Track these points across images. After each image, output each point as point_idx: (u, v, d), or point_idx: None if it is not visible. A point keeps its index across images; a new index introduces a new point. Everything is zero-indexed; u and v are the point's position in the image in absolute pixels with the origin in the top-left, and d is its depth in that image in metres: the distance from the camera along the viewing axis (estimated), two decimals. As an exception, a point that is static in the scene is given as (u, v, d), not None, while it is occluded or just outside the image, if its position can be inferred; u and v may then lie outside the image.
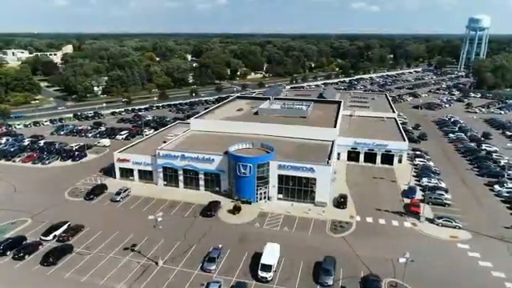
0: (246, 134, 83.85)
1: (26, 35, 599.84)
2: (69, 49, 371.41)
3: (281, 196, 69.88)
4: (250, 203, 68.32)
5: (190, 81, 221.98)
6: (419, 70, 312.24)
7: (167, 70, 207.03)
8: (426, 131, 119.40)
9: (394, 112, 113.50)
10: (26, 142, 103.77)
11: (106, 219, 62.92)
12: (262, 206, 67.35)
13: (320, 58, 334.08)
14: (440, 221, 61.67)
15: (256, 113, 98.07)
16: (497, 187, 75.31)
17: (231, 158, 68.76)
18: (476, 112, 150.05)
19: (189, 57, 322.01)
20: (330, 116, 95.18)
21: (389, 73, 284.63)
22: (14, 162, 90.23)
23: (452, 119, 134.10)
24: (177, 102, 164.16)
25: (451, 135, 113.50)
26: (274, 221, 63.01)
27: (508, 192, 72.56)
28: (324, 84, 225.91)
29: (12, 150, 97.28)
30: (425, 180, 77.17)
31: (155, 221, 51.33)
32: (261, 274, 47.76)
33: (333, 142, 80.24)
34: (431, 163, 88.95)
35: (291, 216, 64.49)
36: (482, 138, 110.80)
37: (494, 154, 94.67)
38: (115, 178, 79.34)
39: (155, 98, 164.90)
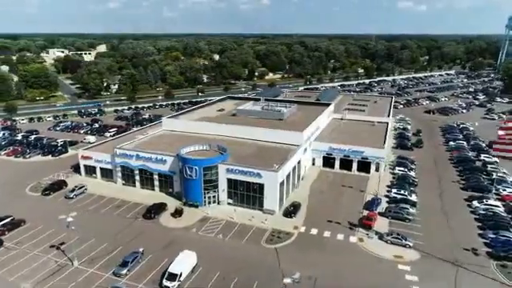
0: (214, 136, 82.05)
1: (77, 35, 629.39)
2: (102, 48, 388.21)
3: (231, 201, 67.20)
4: (196, 207, 66.31)
5: (205, 80, 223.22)
6: (451, 72, 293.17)
7: (180, 70, 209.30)
8: (426, 138, 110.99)
9: (388, 117, 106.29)
10: (19, 136, 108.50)
11: (50, 215, 63.38)
12: (207, 211, 65.05)
13: (347, 58, 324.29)
14: (389, 238, 56.12)
15: (234, 114, 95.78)
16: (475, 203, 67.64)
17: (179, 160, 67.07)
18: (494, 119, 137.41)
19: (216, 57, 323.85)
20: (311, 119, 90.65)
21: (416, 75, 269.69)
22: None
23: (461, 126, 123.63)
24: (181, 101, 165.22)
25: (451, 143, 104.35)
26: (213, 227, 60.53)
27: (485, 210, 64.88)
28: (341, 86, 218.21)
29: (4, 143, 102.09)
30: (394, 191, 71.13)
31: (68, 222, 50.66)
32: (164, 282, 45.67)
33: (299, 146, 76.28)
34: (412, 173, 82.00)
35: (233, 222, 61.67)
36: (486, 148, 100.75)
37: (489, 166, 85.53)
38: (81, 175, 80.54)
39: (160, 97, 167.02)
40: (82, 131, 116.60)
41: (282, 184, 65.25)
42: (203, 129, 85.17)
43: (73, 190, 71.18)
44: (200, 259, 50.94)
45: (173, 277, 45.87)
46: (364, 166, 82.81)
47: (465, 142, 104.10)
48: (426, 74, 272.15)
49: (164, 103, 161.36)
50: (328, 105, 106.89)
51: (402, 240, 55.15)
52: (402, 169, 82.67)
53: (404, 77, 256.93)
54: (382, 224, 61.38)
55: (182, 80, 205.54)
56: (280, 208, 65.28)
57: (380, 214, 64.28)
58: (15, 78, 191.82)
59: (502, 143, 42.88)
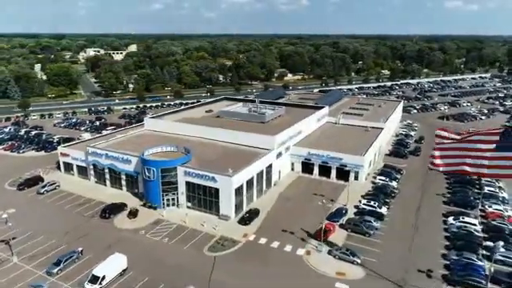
0: (190, 137, 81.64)
1: (122, 36, 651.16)
2: (133, 48, 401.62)
3: (190, 204, 66.14)
4: (155, 208, 65.85)
5: (221, 80, 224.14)
6: (486, 75, 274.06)
7: (196, 70, 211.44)
8: (428, 145, 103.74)
9: (384, 122, 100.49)
10: (22, 131, 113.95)
11: (14, 210, 65.65)
12: (162, 213, 64.39)
13: (377, 59, 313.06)
14: (337, 252, 52.56)
15: (218, 116, 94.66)
16: (450, 220, 61.93)
17: (140, 161, 66.94)
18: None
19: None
20: (294, 123, 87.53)
21: (445, 78, 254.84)
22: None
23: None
24: (189, 101, 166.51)
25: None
26: (163, 230, 59.72)
27: (459, 227, 59.16)
28: (359, 88, 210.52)
29: (6, 137, 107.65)
30: (363, 202, 66.86)
31: (4, 219, 51.78)
32: (85, 285, 45.39)
33: (270, 150, 73.80)
34: (394, 183, 76.77)
35: (184, 226, 60.56)
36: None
37: (483, 179, 78.29)
38: (61, 171, 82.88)
39: (168, 96, 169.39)
40: (82, 128, 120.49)
41: (239, 189, 63.28)
42: (182, 130, 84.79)
43: (44, 186, 73.29)
44: (135, 263, 50.45)
45: (95, 279, 45.51)
46: (344, 173, 78.72)
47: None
48: (456, 77, 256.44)
49: (172, 103, 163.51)
50: (321, 108, 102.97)
51: (350, 256, 51.40)
52: (383, 178, 77.64)
53: (431, 80, 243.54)
54: (338, 237, 57.77)
55: (196, 80, 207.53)
56: (237, 214, 63.31)
57: (341, 226, 60.62)
58: (44, 77, 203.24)
59: (437, 157, 38.60)
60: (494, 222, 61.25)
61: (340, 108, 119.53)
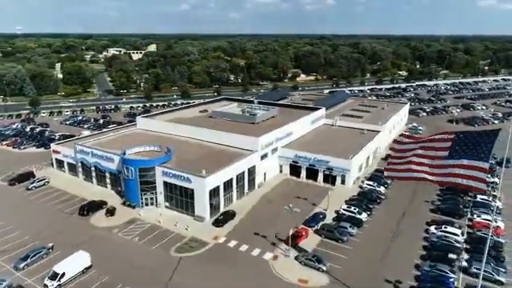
0: (178, 137, 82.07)
1: (146, 36, 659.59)
2: (152, 48, 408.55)
3: (168, 204, 66.21)
4: (134, 207, 66.29)
5: (232, 80, 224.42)
6: (510, 78, 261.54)
7: (206, 70, 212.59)
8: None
9: (381, 125, 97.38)
10: (28, 128, 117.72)
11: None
12: (139, 212, 64.72)
13: (396, 60, 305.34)
14: (303, 258, 51.16)
15: (211, 116, 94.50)
16: (432, 228, 59.17)
17: (120, 159, 67.57)
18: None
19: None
20: (284, 124, 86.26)
21: (465, 80, 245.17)
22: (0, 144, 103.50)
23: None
24: (195, 101, 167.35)
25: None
26: (137, 229, 59.97)
27: (438, 237, 56.38)
28: (371, 90, 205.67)
29: (12, 133, 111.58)
30: (343, 208, 64.94)
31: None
32: (45, 281, 46.12)
33: (254, 151, 72.96)
34: (381, 188, 74.20)
35: (158, 226, 60.65)
36: (495, 166, 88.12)
37: (479, 187, 74.60)
38: (53, 168, 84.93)
39: (175, 96, 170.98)
40: (85, 126, 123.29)
41: (215, 190, 62.80)
42: (171, 130, 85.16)
43: (33, 182, 75.25)
44: (101, 261, 50.94)
45: (55, 276, 46.13)
46: (331, 177, 76.80)
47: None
48: (476, 79, 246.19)
49: (179, 102, 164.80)
50: (316, 109, 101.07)
51: (316, 262, 49.90)
52: (370, 183, 75.21)
53: (449, 81, 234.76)
54: (311, 242, 56.32)
55: (207, 80, 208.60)
56: (212, 215, 62.81)
57: (316, 231, 59.05)
58: (60, 75, 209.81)
59: (392, 163, 36.67)
60: (478, 233, 58.09)
61: (342, 109, 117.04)
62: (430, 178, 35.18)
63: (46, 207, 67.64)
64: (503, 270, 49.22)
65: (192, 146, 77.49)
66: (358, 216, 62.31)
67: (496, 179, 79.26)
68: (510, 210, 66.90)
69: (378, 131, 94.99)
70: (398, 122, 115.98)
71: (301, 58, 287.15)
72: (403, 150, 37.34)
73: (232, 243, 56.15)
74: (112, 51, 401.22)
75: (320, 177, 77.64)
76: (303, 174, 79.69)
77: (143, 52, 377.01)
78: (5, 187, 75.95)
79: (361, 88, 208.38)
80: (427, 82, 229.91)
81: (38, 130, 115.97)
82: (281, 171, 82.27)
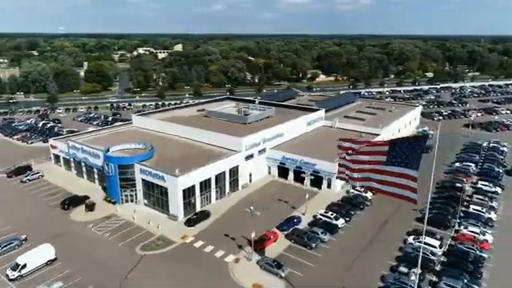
0: (168, 135, 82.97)
1: (179, 36, 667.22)
2: (178, 47, 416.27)
3: (146, 202, 66.84)
4: (114, 203, 67.42)
5: (250, 80, 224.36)
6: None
7: (223, 69, 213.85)
8: (432, 156, 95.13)
9: (381, 128, 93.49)
10: (40, 124, 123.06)
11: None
12: (117, 208, 65.68)
13: (425, 61, 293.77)
14: (263, 263, 49.89)
15: (206, 115, 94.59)
16: (410, 239, 55.98)
17: (102, 156, 68.94)
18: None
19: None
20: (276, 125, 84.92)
21: (495, 82, 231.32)
22: (11, 138, 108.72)
23: (491, 145, 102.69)
24: (206, 100, 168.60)
25: (457, 164, 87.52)
26: (110, 225, 60.91)
27: (414, 248, 53.17)
28: (391, 91, 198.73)
29: (24, 128, 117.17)
30: (320, 213, 62.82)
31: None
32: (6, 271, 47.75)
33: (237, 152, 72.29)
34: (368, 194, 71.12)
35: (131, 223, 61.30)
36: (503, 174, 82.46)
37: (475, 196, 69.96)
38: (52, 162, 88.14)
39: (187, 95, 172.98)
40: (94, 123, 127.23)
41: (190, 190, 62.63)
42: (162, 128, 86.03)
43: (27, 175, 78.40)
44: (67, 255, 52.24)
45: (16, 266, 47.63)
46: (318, 180, 74.65)
47: (472, 165, 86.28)
48: (508, 82, 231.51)
49: (191, 101, 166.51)
50: (315, 110, 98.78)
51: (275, 268, 48.47)
52: (358, 188, 72.34)
53: (477, 84, 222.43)
54: (279, 246, 54.92)
55: (223, 79, 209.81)
56: (186, 215, 62.68)
57: (287, 235, 57.49)
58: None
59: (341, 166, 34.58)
60: (460, 246, 54.32)
61: (347, 111, 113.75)
62: (370, 185, 33.17)
63: (35, 200, 70.18)
64: (476, 287, 45.66)
65: (179, 145, 77.87)
66: (334, 222, 60.05)
67: (498, 189, 73.99)
68: (505, 223, 62.26)
69: (377, 134, 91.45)
70: (405, 125, 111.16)
71: (323, 58, 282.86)
72: (352, 151, 35.16)
73: (198, 243, 55.75)
74: (140, 51, 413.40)
75: (307, 180, 75.68)
76: (291, 176, 78.02)
77: (168, 52, 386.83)
78: (2, 179, 79.61)
79: (380, 89, 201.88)
80: (453, 84, 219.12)
81: (49, 125, 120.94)
82: (269, 173, 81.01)
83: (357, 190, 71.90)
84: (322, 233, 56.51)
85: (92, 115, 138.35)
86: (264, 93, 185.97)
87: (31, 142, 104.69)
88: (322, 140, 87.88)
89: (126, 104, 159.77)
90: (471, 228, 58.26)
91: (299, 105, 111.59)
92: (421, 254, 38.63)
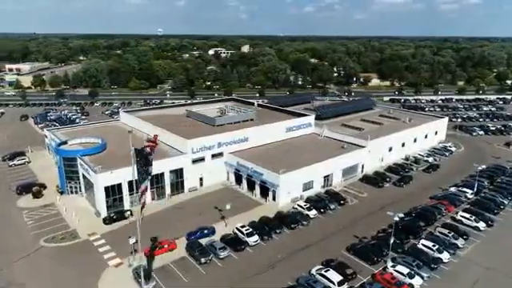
0: (140, 132, 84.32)
1: (264, 37, 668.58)
2: (245, 48, 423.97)
3: (86, 195, 68.80)
4: (61, 193, 70.72)
5: (293, 82, 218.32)
6: None
7: (265, 70, 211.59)
8: (433, 176, 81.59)
9: (368, 141, 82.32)
10: (69, 115, 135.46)
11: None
12: (58, 198, 68.60)
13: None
14: (135, 271, 47.35)
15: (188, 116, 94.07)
16: (313, 270, 48.10)
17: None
18: None
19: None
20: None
21: None
22: (37, 126, 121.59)
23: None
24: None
25: (452, 189, 73.18)
26: (41, 214, 63.76)
27: (307, 281, 45.46)
28: (444, 100, 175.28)
29: (52, 118, 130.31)
30: (237, 227, 57.58)
31: None
32: None
33: (183, 153, 70.44)
34: (313, 212, 63.09)
35: (59, 214, 63.53)
36: (504, 207, 66.89)
37: (438, 230, 57.50)
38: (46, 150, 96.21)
39: (216, 95, 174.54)
40: (116, 116, 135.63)
41: (115, 187, 62.57)
42: (138, 125, 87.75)
43: (14, 161, 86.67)
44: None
45: None
46: (266, 191, 69.00)
47: (469, 192, 71.18)
48: None
49: (218, 99, 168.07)
50: (302, 116, 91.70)
51: (140, 277, 45.66)
52: (302, 204, 64.77)
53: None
54: (172, 256, 52.01)
55: (264, 80, 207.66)
56: (110, 212, 62.68)
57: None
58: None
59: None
60: (368, 286, 45.04)
61: (355, 119, 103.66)
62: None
63: (7, 183, 76.95)
64: None
65: (139, 142, 78.43)
66: (245, 239, 54.66)
67: (480, 224, 59.98)
68: (457, 269, 50.12)
69: (363, 146, 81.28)
70: (418, 138, 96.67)
71: (383, 61, 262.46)
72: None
73: (99, 242, 55.40)
74: (210, 52, 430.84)
75: (257, 189, 70.42)
76: (244, 184, 73.40)
77: (232, 52, 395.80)
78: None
79: (432, 97, 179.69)
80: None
81: (74, 117, 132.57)
82: (228, 179, 77.30)
83: (301, 207, 64.55)
84: (220, 248, 51.80)
85: (116, 110, 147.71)
86: (281, 96, 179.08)
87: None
88: (297, 149, 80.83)
89: (158, 101, 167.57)
90: (399, 267, 47.98)
91: (298, 110, 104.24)
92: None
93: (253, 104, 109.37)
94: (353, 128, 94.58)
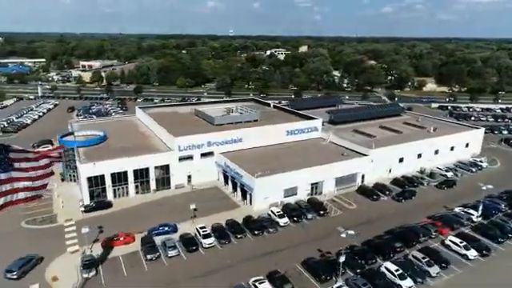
0: (146, 127, 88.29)
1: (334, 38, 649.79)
2: (304, 48, 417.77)
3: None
4: (63, 180, 76.09)
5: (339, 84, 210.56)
6: None
7: (309, 71, 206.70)
8: (445, 193, 72.81)
9: (371, 149, 75.90)
10: (109, 109, 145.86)
11: None
12: (55, 184, 73.20)
13: None
14: (83, 259, 49.23)
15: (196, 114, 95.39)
16: (336, 283, 45.39)
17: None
18: None
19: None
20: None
21: None
22: (78, 117, 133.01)
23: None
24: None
25: (456, 210, 64.38)
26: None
27: (241, 291, 43.35)
28: (504, 109, 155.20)
29: (94, 111, 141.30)
30: (197, 227, 56.85)
31: None
32: None
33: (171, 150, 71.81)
34: (284, 220, 60.01)
35: (50, 199, 67.95)
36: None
37: (412, 254, 50.74)
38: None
39: (251, 95, 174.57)
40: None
41: (98, 178, 65.74)
42: (147, 121, 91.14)
43: (40, 147, 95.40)
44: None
45: None
46: (245, 193, 67.43)
47: (474, 215, 61.92)
48: None
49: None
50: (309, 119, 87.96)
51: (84, 268, 47.43)
52: (277, 211, 61.87)
53: None
54: (125, 249, 53.13)
55: (306, 82, 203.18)
56: (92, 201, 66.08)
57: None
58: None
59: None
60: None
61: (384, 124, 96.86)
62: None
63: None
64: None
65: (140, 136, 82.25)
66: (201, 240, 53.89)
67: (471, 252, 52.02)
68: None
69: (365, 155, 75.44)
70: (440, 149, 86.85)
71: (449, 64, 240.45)
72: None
73: (71, 228, 58.57)
74: (268, 52, 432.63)
75: (238, 191, 69.11)
76: (230, 185, 72.47)
77: (287, 53, 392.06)
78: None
79: (491, 106, 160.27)
80: None
81: (112, 111, 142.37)
82: (218, 178, 76.93)
83: (273, 213, 61.77)
84: (170, 247, 51.68)
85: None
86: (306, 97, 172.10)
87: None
88: (291, 153, 77.53)
89: (195, 99, 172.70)
90: (345, 289, 43.58)
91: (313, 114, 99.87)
92: None
93: (269, 105, 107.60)
94: (364, 134, 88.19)
